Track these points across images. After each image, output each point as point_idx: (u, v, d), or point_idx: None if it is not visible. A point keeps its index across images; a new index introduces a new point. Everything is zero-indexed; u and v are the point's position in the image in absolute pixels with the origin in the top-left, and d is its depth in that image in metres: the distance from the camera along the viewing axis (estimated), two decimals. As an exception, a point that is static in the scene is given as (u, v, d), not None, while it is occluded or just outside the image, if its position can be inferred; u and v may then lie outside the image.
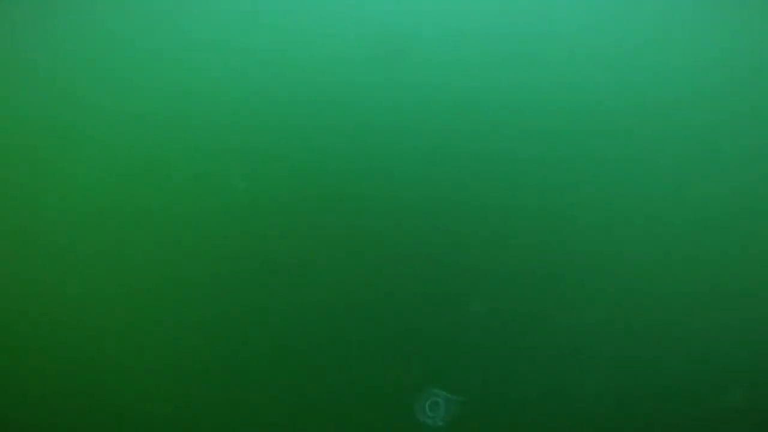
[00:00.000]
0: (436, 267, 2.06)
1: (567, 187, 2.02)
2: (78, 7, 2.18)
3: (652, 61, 1.99)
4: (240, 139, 2.15)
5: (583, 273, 2.00)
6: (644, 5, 2.00)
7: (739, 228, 1.96)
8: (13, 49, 2.21)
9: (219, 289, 2.11)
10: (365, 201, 2.09)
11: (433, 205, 2.06)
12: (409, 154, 2.07)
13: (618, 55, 2.01)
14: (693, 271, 1.96)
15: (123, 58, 2.19)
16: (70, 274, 2.11)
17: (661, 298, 1.97)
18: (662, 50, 1.99)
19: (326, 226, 2.12)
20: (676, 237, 1.98)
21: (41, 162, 2.19)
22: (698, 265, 1.96)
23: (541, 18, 2.01)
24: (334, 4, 2.09)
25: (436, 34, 2.05)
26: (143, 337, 2.09)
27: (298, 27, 2.11)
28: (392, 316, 2.08)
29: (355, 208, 2.10)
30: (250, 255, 2.13)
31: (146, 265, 2.13)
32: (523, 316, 2.02)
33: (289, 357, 2.06)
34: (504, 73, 2.02)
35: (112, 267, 2.12)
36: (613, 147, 2.01)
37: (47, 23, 2.20)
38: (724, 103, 1.95)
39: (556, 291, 2.01)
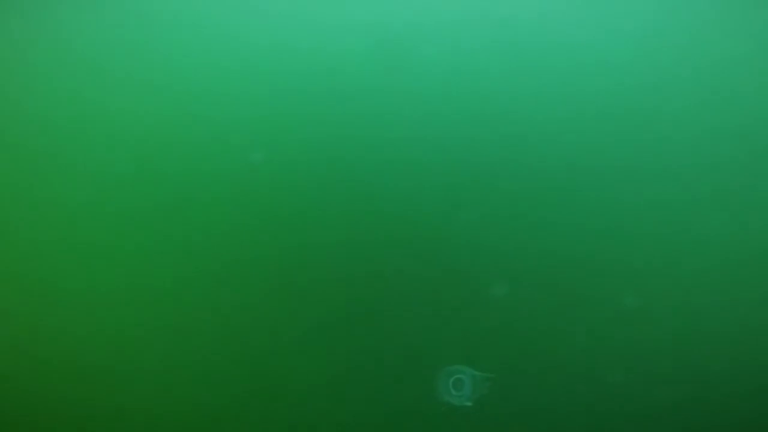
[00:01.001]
0: (456, 249, 2.04)
1: (586, 173, 2.05)
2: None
3: (654, 62, 2.04)
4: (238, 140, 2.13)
5: (609, 257, 2.00)
6: (646, 6, 2.06)
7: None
8: (13, 49, 2.18)
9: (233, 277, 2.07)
10: (384, 185, 2.08)
11: (451, 189, 2.05)
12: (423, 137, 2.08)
13: (621, 57, 2.04)
14: (724, 254, 1.98)
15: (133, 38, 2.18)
16: (75, 259, 2.07)
17: (690, 280, 1.97)
18: (665, 51, 2.03)
19: (342, 214, 2.08)
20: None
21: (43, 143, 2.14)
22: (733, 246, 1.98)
23: (543, 19, 2.05)
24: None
25: (441, 31, 2.09)
26: (145, 332, 2.06)
27: (300, 24, 2.14)
28: (411, 298, 2.02)
29: (374, 194, 2.09)
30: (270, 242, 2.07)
31: (150, 257, 2.09)
32: (544, 299, 2.00)
33: (311, 335, 2.01)
34: (505, 74, 2.06)
35: (112, 255, 2.08)
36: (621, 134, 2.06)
37: (47, 18, 2.19)
38: (732, 106, 2.00)
39: (578, 275, 2.00)
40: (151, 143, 2.12)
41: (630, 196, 2.00)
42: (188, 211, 2.10)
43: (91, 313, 2.05)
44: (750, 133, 2.00)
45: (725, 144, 2.01)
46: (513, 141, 2.04)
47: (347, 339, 2.02)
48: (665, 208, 1.98)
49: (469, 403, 1.82)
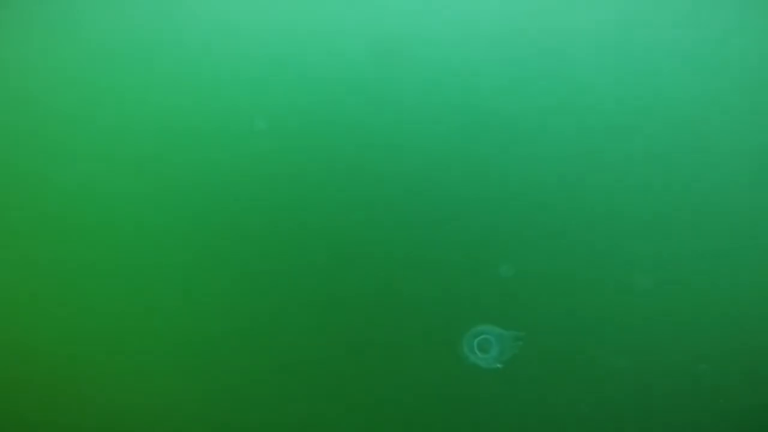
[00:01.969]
0: (464, 232, 1.98)
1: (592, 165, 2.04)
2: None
3: (656, 63, 2.07)
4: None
5: (615, 243, 1.97)
6: (647, 7, 2.10)
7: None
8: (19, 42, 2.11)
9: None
10: (393, 171, 2.04)
11: (459, 173, 2.04)
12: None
13: (621, 55, 2.08)
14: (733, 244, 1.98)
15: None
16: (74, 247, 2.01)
17: (697, 267, 1.96)
18: (667, 52, 2.06)
19: (350, 199, 2.02)
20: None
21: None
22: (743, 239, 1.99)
23: (545, 18, 2.09)
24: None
25: (440, 34, 2.18)
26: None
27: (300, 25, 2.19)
28: (419, 277, 1.94)
29: (381, 180, 2.04)
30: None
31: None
32: (551, 281, 1.95)
33: (316, 313, 1.93)
34: (504, 72, 2.08)
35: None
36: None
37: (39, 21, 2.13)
38: (736, 104, 2.02)
39: (586, 257, 1.98)
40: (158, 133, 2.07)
41: (640, 182, 2.00)
42: (190, 199, 2.04)
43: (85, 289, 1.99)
44: (752, 127, 2.03)
45: (726, 139, 2.01)
46: (514, 133, 2.06)
47: (349, 320, 1.92)
48: (672, 195, 1.99)
49: (498, 365, 1.66)
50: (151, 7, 2.13)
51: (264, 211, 2.01)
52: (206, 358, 1.95)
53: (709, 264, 1.95)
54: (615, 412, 1.89)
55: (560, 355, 1.90)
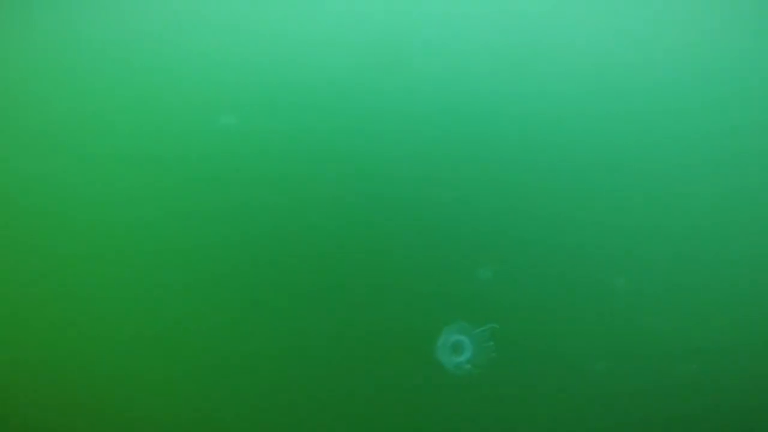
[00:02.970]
0: (445, 234, 1.98)
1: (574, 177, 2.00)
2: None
3: (653, 58, 2.04)
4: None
5: (599, 244, 1.95)
6: (649, 8, 2.06)
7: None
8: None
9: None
10: (374, 167, 2.01)
11: (439, 173, 2.00)
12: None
13: (620, 52, 2.05)
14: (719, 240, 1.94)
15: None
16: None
17: (682, 270, 1.93)
18: (667, 53, 2.03)
19: (336, 199, 2.01)
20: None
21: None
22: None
23: (545, 22, 2.07)
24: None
25: (438, 39, 2.09)
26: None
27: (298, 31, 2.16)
28: (399, 281, 1.92)
29: (365, 176, 2.02)
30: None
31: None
32: (530, 283, 1.94)
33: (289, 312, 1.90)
34: (502, 70, 2.05)
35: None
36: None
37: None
38: (733, 103, 1.99)
39: (568, 261, 1.93)
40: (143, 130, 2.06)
41: (622, 183, 1.98)
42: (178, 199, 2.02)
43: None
44: (751, 128, 2.00)
45: (724, 139, 1.99)
46: (509, 134, 2.03)
47: (327, 324, 1.90)
48: (658, 197, 1.96)
49: (474, 369, 1.65)
50: (145, 7, 2.14)
51: (258, 212, 2.00)
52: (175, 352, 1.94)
53: (693, 267, 1.93)
54: (596, 415, 1.87)
55: (540, 359, 1.87)
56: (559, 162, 1.98)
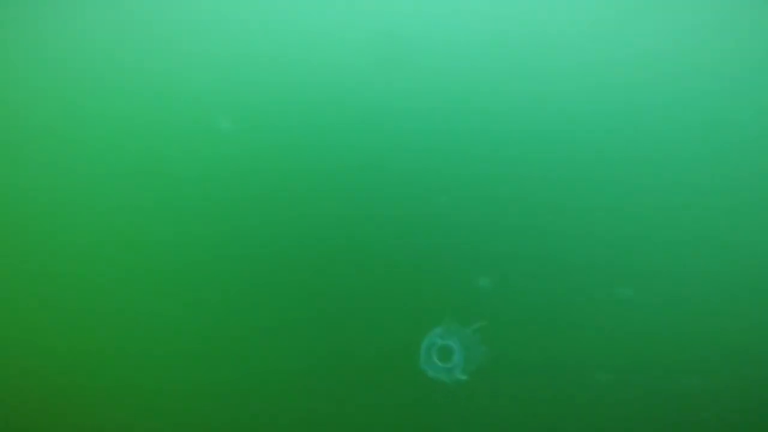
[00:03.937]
0: (446, 241, 1.84)
1: (570, 179, 1.95)
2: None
3: (654, 62, 2.00)
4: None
5: (601, 253, 1.83)
6: (648, 7, 2.04)
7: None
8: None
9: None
10: (376, 180, 1.94)
11: (441, 178, 1.91)
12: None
13: (620, 57, 2.01)
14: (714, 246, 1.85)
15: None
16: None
17: (683, 277, 1.82)
18: (666, 52, 1.99)
19: (338, 206, 1.93)
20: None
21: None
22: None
23: (543, 20, 2.03)
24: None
25: (438, 37, 2.14)
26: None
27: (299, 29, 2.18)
28: (398, 290, 1.81)
29: (367, 193, 1.94)
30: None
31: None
32: (530, 292, 1.76)
33: (285, 320, 1.84)
34: (502, 72, 2.04)
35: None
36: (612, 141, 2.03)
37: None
38: (733, 103, 1.95)
39: (569, 270, 1.80)
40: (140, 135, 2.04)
41: (626, 193, 1.90)
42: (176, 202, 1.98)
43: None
44: (750, 131, 1.95)
45: (730, 150, 1.93)
46: (512, 144, 1.96)
47: (326, 329, 1.81)
48: (662, 207, 1.89)
49: (463, 377, 1.39)
50: (143, 8, 2.17)
51: (256, 220, 1.94)
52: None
53: (698, 276, 1.82)
54: (599, 428, 1.72)
55: (542, 370, 1.74)
56: (563, 171, 1.92)
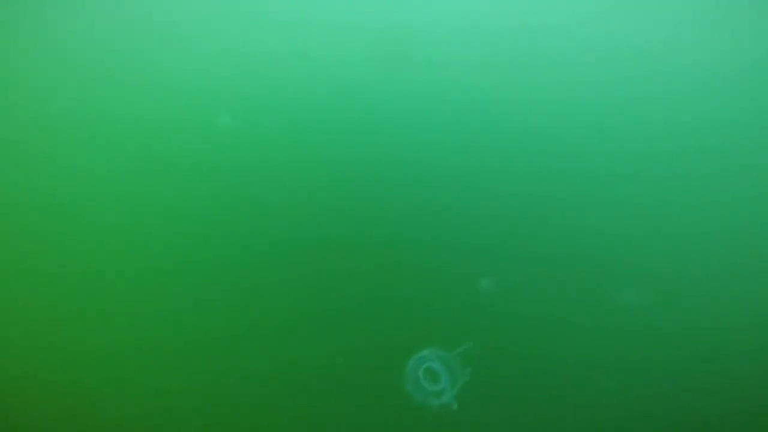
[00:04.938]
0: (446, 244, 1.87)
1: (569, 177, 1.95)
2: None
3: (653, 59, 2.05)
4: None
5: (606, 254, 1.85)
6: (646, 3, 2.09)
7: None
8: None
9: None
10: (374, 180, 1.97)
11: (442, 180, 1.95)
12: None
13: (620, 51, 2.06)
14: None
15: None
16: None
17: (689, 280, 1.82)
18: (664, 48, 2.04)
19: (335, 202, 1.96)
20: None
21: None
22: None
23: (543, 15, 2.09)
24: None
25: (438, 32, 2.11)
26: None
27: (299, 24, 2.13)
28: (399, 292, 1.83)
29: (365, 183, 1.98)
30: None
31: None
32: (532, 295, 1.83)
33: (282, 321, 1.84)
34: (506, 71, 2.06)
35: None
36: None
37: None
38: (732, 102, 1.98)
39: (574, 272, 1.82)
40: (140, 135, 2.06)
41: (629, 193, 1.92)
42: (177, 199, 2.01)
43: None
44: (751, 130, 1.98)
45: (733, 150, 1.95)
46: (514, 144, 1.99)
47: (327, 329, 1.82)
48: (666, 207, 1.90)
49: (452, 402, 1.49)
50: (143, 5, 2.18)
51: (255, 220, 1.98)
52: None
53: (702, 277, 1.82)
54: (599, 426, 1.72)
55: (545, 374, 1.76)
56: (565, 172, 1.95)
